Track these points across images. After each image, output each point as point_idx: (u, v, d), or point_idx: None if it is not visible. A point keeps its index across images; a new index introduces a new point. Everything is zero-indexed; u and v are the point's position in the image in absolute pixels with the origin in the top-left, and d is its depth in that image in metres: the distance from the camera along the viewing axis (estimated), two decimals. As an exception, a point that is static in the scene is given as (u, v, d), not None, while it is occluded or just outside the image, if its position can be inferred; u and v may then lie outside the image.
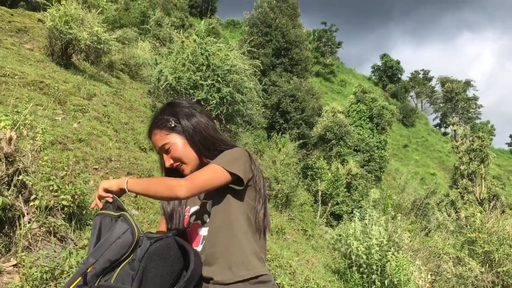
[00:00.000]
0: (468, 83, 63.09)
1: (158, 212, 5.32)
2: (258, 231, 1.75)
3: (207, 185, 1.64)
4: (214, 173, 1.67)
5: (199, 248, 1.69)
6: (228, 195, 1.71)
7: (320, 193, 18.07)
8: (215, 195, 1.73)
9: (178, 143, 1.80)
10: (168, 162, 1.80)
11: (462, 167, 19.21)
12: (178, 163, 1.80)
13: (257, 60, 13.40)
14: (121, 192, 1.68)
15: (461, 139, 19.24)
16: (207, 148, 1.82)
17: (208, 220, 1.72)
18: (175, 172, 1.84)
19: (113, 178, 1.79)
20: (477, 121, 58.64)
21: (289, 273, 6.12)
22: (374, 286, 7.18)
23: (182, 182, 1.61)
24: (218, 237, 1.68)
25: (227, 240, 1.67)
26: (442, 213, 12.91)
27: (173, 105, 1.89)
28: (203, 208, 1.77)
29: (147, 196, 1.65)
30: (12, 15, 13.83)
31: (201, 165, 1.80)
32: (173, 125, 1.82)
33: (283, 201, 12.80)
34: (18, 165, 3.61)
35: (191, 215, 1.81)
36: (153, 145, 1.88)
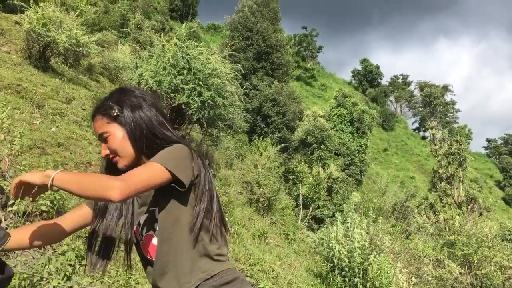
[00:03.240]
0: (446, 88, 64.32)
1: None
2: (213, 236, 1.64)
3: (144, 186, 1.45)
4: (152, 172, 1.49)
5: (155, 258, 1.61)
6: (172, 200, 1.60)
7: (301, 197, 18.12)
8: (160, 201, 1.61)
9: (116, 134, 1.66)
10: (104, 151, 1.67)
11: (440, 171, 19.50)
12: (112, 156, 1.67)
13: (238, 64, 13.39)
14: (44, 186, 1.43)
15: (440, 143, 19.54)
16: (147, 145, 1.66)
17: (158, 228, 1.61)
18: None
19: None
20: (455, 125, 59.77)
21: (272, 277, 6.10)
22: (356, 289, 7.20)
23: (117, 183, 1.40)
24: (165, 246, 1.58)
25: (173, 249, 1.58)
26: (421, 216, 13.07)
27: (123, 92, 1.74)
28: (152, 217, 1.64)
29: (74, 194, 1.43)
30: (-12, 17, 13.56)
31: (137, 162, 1.67)
32: (115, 114, 1.67)
33: (265, 205, 12.79)
34: (-5, 170, 3.52)
35: (142, 226, 1.67)
36: (93, 127, 1.74)
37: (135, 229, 1.69)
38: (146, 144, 1.66)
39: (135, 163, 1.66)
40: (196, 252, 1.59)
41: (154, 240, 1.62)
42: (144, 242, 1.65)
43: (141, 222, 1.67)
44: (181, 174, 1.53)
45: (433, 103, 61.47)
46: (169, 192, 1.58)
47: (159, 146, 1.65)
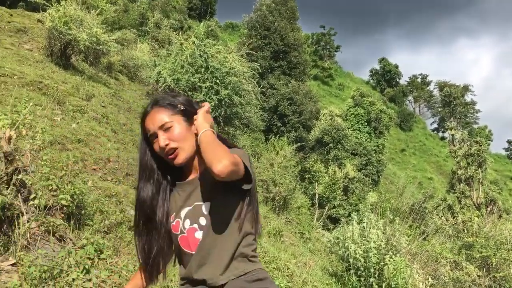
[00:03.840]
0: (466, 88, 63.40)
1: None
2: (251, 234, 1.72)
3: (235, 172, 1.51)
4: (240, 163, 1.57)
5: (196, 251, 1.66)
6: (226, 198, 1.66)
7: (317, 196, 18.07)
8: (212, 197, 1.66)
9: (182, 125, 1.70)
10: (164, 141, 1.66)
11: (459, 172, 19.24)
12: (173, 147, 1.67)
13: (256, 63, 13.41)
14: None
15: (459, 144, 19.28)
16: None
17: (204, 223, 1.65)
18: (160, 163, 1.75)
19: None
20: (475, 126, 58.89)
21: (287, 275, 6.12)
22: (372, 289, 7.18)
23: (226, 161, 1.46)
24: (209, 239, 1.64)
25: (217, 244, 1.64)
26: (439, 217, 12.93)
27: (178, 94, 1.82)
28: (197, 211, 1.67)
29: (201, 151, 1.55)
30: (11, 15, 13.82)
31: (197, 157, 1.73)
32: (182, 108, 1.72)
33: (281, 203, 12.79)
34: (18, 164, 3.60)
35: (184, 219, 1.70)
36: (146, 123, 1.73)
37: (175, 222, 1.73)
38: None
39: (192, 160, 1.73)
40: (236, 251, 1.65)
41: (197, 234, 1.66)
42: (186, 235, 1.69)
43: (182, 216, 1.71)
44: (253, 175, 1.65)
45: (453, 103, 60.64)
46: (224, 189, 1.65)
47: None
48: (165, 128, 1.68)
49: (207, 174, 1.66)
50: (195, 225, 1.67)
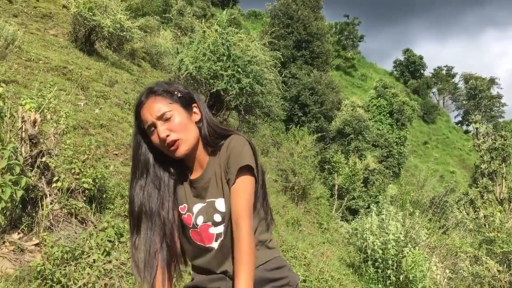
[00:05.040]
0: (492, 81, 62.07)
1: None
2: (266, 225, 1.71)
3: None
4: (252, 193, 1.56)
5: (213, 245, 1.63)
6: None
7: (336, 187, 18.00)
8: (224, 192, 1.62)
9: (182, 114, 1.59)
10: (164, 133, 1.54)
11: (482, 166, 18.87)
12: (174, 138, 1.55)
13: (278, 52, 13.34)
14: None
15: (483, 138, 18.88)
16: (211, 134, 1.65)
17: (219, 219, 1.61)
18: (159, 159, 1.65)
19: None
20: (500, 120, 57.67)
21: (304, 264, 6.13)
22: (389, 281, 7.14)
23: (252, 245, 1.49)
24: (229, 235, 1.61)
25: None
26: (461, 211, 12.75)
27: (174, 82, 1.70)
28: (211, 208, 1.63)
29: None
30: (37, 0, 14.02)
31: (200, 148, 1.66)
32: (180, 95, 1.62)
33: (300, 193, 12.78)
34: (42, 147, 3.68)
35: (196, 215, 1.65)
36: (142, 114, 1.59)
37: (187, 215, 1.68)
38: (211, 133, 1.65)
39: (194, 149, 1.63)
40: (255, 241, 1.62)
41: (212, 229, 1.63)
42: (199, 231, 1.65)
43: (195, 211, 1.66)
44: (260, 169, 1.61)
45: (478, 96, 59.46)
46: None
47: (221, 135, 1.66)
48: (164, 118, 1.56)
49: (216, 168, 1.64)
50: (209, 222, 1.63)
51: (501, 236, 8.82)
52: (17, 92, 5.96)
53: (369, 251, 7.47)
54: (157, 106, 1.56)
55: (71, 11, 11.23)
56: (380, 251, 7.30)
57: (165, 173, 1.68)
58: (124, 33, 11.94)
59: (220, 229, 1.63)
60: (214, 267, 1.65)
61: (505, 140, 18.53)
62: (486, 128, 19.08)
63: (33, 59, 8.41)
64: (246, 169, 1.55)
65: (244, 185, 1.54)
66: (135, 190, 1.65)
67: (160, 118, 1.56)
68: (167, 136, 1.54)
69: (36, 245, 3.32)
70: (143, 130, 1.63)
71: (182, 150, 1.58)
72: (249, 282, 1.44)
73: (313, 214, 12.69)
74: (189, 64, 10.72)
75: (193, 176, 1.70)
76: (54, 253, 3.03)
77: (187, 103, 1.63)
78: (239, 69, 10.54)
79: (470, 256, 8.94)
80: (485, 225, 10.63)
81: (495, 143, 18.70)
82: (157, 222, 1.62)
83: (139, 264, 1.61)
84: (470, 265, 8.36)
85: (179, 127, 1.56)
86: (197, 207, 1.67)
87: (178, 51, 12.01)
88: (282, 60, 14.82)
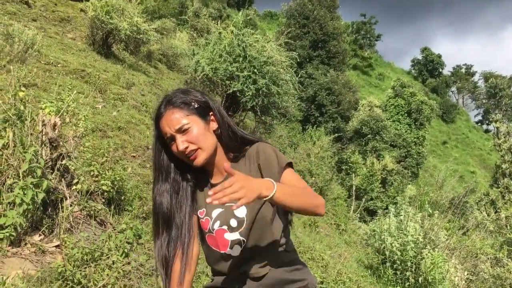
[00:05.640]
0: (513, 79, 60.90)
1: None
2: (287, 228, 1.75)
3: None
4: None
5: (228, 252, 1.65)
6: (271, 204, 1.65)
7: (354, 187, 17.88)
8: (258, 201, 1.56)
9: (199, 125, 1.63)
10: (183, 145, 1.59)
11: (503, 166, 18.55)
12: (192, 149, 1.60)
13: (294, 52, 13.29)
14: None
15: (504, 137, 18.55)
16: (232, 139, 1.71)
17: (235, 225, 1.64)
18: (179, 165, 1.70)
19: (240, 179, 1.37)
20: (521, 119, 56.55)
21: (321, 266, 6.11)
22: (408, 283, 7.07)
23: (322, 200, 1.58)
24: (254, 240, 1.64)
25: (261, 241, 1.65)
26: (481, 212, 12.55)
27: (192, 89, 1.73)
28: (229, 212, 1.65)
29: (289, 207, 1.49)
30: (56, 4, 14.24)
31: (219, 155, 1.70)
32: (197, 106, 1.65)
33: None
34: (62, 150, 3.74)
35: (214, 220, 1.69)
36: (162, 125, 1.63)
37: (205, 219, 1.72)
38: (232, 139, 1.71)
39: (213, 156, 1.68)
40: (275, 243, 1.66)
41: (227, 235, 1.65)
42: (215, 235, 1.68)
43: (213, 216, 1.69)
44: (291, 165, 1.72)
45: (499, 95, 58.48)
46: None
47: (242, 140, 1.73)
48: (182, 130, 1.60)
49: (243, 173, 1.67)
50: (225, 227, 1.66)
51: (523, 237, 8.66)
52: (37, 95, 6.06)
53: (387, 253, 7.41)
54: (175, 119, 1.61)
55: (89, 15, 11.38)
56: (399, 253, 7.23)
57: (184, 178, 1.73)
58: (141, 35, 12.04)
59: (236, 235, 1.64)
60: (234, 270, 1.67)
61: (527, 139, 18.19)
62: (507, 127, 18.75)
63: (52, 63, 8.54)
64: (289, 166, 1.68)
65: (293, 173, 1.68)
66: (157, 193, 1.72)
67: (179, 130, 1.61)
68: (186, 147, 1.60)
69: (56, 246, 3.37)
70: (162, 138, 1.68)
71: (200, 159, 1.63)
72: (292, 190, 1.52)
73: (330, 215, 12.62)
74: (205, 65, 10.76)
75: (214, 181, 1.74)
76: (74, 254, 3.07)
77: (204, 112, 1.67)
78: (255, 70, 10.55)
79: (490, 257, 8.80)
80: (506, 226, 10.45)
81: (516, 142, 18.36)
82: (175, 224, 1.69)
83: (162, 263, 1.69)
84: (491, 267, 8.22)
85: (197, 138, 1.61)
86: (216, 212, 1.70)
87: (194, 53, 12.06)
88: (298, 60, 14.77)
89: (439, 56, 61.58)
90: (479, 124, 63.03)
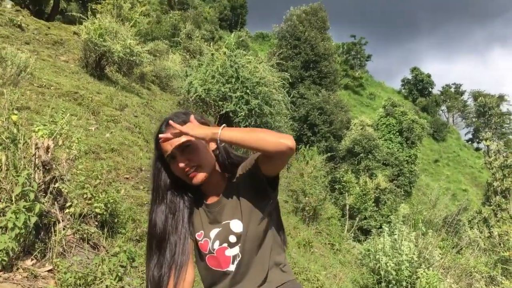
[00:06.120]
0: (501, 98, 61.70)
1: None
2: (280, 246, 1.74)
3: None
4: None
5: (230, 268, 1.65)
6: (256, 211, 1.66)
7: (347, 207, 17.86)
8: (245, 210, 1.65)
9: (200, 144, 1.65)
10: (183, 163, 1.61)
11: (495, 184, 18.63)
12: (192, 167, 1.63)
13: (286, 73, 13.45)
14: (211, 141, 1.57)
15: (494, 155, 18.69)
16: (229, 160, 1.73)
17: (234, 240, 1.65)
18: (177, 186, 1.72)
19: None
20: (511, 137, 57.07)
21: (317, 287, 6.06)
22: (404, 303, 7.03)
23: (287, 135, 1.52)
24: (249, 256, 1.64)
25: (257, 257, 1.65)
26: (474, 230, 12.57)
27: (194, 112, 1.76)
28: (227, 229, 1.67)
29: (243, 145, 1.50)
30: (49, 28, 14.32)
31: (215, 175, 1.72)
32: None
33: (310, 214, 12.70)
34: (55, 173, 3.72)
35: (214, 240, 1.68)
36: (162, 144, 1.64)
37: (203, 241, 1.71)
38: (229, 159, 1.74)
39: (211, 176, 1.69)
40: (270, 261, 1.66)
41: (228, 252, 1.66)
42: (216, 255, 1.67)
43: (212, 236, 1.69)
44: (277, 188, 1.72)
45: (488, 113, 59.09)
46: (250, 202, 1.66)
47: (239, 162, 1.74)
48: (183, 148, 1.63)
49: (231, 190, 1.70)
50: (225, 244, 1.66)
51: (517, 255, 8.67)
52: (30, 118, 6.05)
53: (382, 272, 7.37)
54: (176, 138, 1.62)
55: (82, 38, 11.44)
56: (394, 272, 7.20)
57: (181, 200, 1.74)
58: (134, 57, 12.10)
59: (236, 250, 1.65)
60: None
61: (517, 157, 18.34)
62: (497, 145, 18.91)
63: (45, 85, 8.55)
64: None
65: None
66: (154, 214, 1.72)
67: (180, 148, 1.63)
68: (186, 165, 1.62)
69: (49, 271, 3.33)
70: (162, 158, 1.69)
71: (200, 178, 1.65)
72: (239, 132, 1.54)
73: (324, 235, 12.57)
74: (198, 86, 10.83)
75: (210, 201, 1.75)
76: (67, 279, 3.04)
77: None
78: (248, 91, 10.62)
79: (485, 276, 8.78)
80: (499, 244, 10.46)
81: (507, 160, 18.50)
82: (169, 245, 1.68)
83: (153, 284, 1.66)
84: (486, 285, 8.20)
85: (197, 156, 1.64)
86: (214, 232, 1.70)
87: (187, 74, 12.14)
88: (290, 80, 14.90)
89: (429, 76, 62.29)
90: (470, 142, 63.45)
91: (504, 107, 61.04)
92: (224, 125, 1.55)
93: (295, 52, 25.55)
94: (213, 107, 10.94)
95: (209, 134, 1.52)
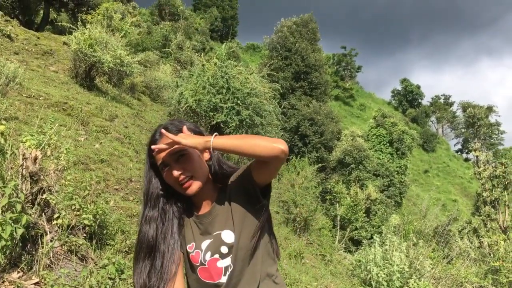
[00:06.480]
0: (490, 109, 62.34)
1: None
2: (272, 257, 1.72)
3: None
4: None
5: (222, 280, 1.62)
6: (248, 221, 1.64)
7: (338, 217, 17.85)
8: (236, 222, 1.63)
9: (195, 154, 1.63)
10: (177, 172, 1.59)
11: (484, 194, 18.76)
12: (187, 176, 1.60)
13: (277, 84, 13.49)
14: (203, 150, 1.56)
15: (484, 165, 18.84)
16: (221, 171, 1.71)
17: (226, 251, 1.63)
18: (168, 195, 1.70)
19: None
20: (500, 147, 57.62)
21: (308, 299, 6.02)
22: (395, 315, 6.99)
23: (279, 139, 1.51)
24: (241, 266, 1.61)
25: (249, 268, 1.63)
26: (464, 240, 12.61)
27: (188, 121, 1.75)
28: (218, 240, 1.64)
29: (239, 152, 1.49)
30: (38, 38, 14.25)
31: (208, 186, 1.70)
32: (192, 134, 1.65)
33: (302, 225, 12.67)
34: (42, 184, 3.66)
35: (205, 251, 1.66)
36: (156, 152, 1.62)
37: (195, 253, 1.69)
38: (222, 170, 1.72)
39: (203, 187, 1.67)
40: (262, 272, 1.64)
41: (219, 263, 1.64)
42: (207, 267, 1.65)
43: (203, 248, 1.67)
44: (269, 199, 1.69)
45: (477, 124, 59.67)
46: (242, 213, 1.64)
47: (231, 173, 1.71)
48: (177, 157, 1.61)
49: (222, 201, 1.68)
50: (216, 255, 1.64)
51: (507, 265, 8.70)
52: (18, 129, 5.98)
53: (373, 283, 7.35)
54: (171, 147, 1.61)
55: (72, 48, 11.39)
56: (385, 283, 7.17)
57: (171, 209, 1.72)
58: (124, 68, 12.07)
59: (228, 261, 1.63)
60: None
61: (506, 167, 18.50)
62: (486, 155, 19.08)
63: (34, 96, 8.48)
64: None
65: None
66: (144, 223, 1.70)
67: (174, 156, 1.61)
68: (181, 174, 1.60)
69: (36, 284, 3.26)
70: (155, 166, 1.67)
71: (194, 188, 1.63)
72: (230, 139, 1.51)
73: (315, 245, 12.53)
74: (189, 97, 10.81)
75: (200, 212, 1.73)
76: (54, 292, 2.97)
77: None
78: (239, 101, 10.63)
79: (475, 286, 8.79)
80: (489, 254, 10.50)
81: (496, 170, 18.66)
82: (158, 254, 1.66)
83: None
84: (477, 296, 8.21)
85: (192, 166, 1.62)
86: (205, 243, 1.68)
87: (177, 85, 12.14)
88: (281, 91, 14.95)
89: (418, 87, 62.92)
90: (459, 153, 63.98)
91: (492, 118, 61.73)
92: (216, 133, 1.54)
93: (285, 63, 25.69)
94: (204, 117, 10.92)
95: (202, 142, 1.52)
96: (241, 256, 1.61)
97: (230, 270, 1.61)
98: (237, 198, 1.65)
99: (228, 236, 1.63)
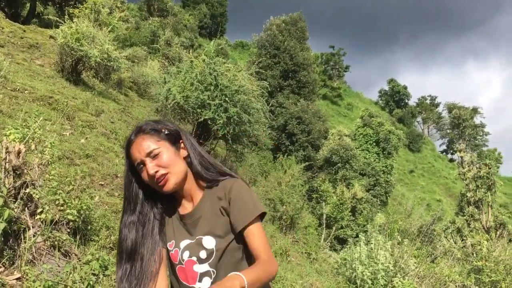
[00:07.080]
0: (475, 110, 63.10)
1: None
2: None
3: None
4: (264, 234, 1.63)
5: (197, 285, 1.61)
6: (226, 230, 1.63)
7: (324, 216, 17.92)
8: (213, 231, 1.62)
9: (169, 151, 1.63)
10: (153, 169, 1.58)
11: (468, 194, 19.00)
12: (162, 173, 1.59)
13: (265, 82, 13.47)
14: None
15: (468, 166, 19.07)
16: (204, 168, 1.69)
17: (205, 256, 1.61)
18: (148, 196, 1.70)
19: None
20: (484, 148, 58.34)
21: (293, 296, 6.03)
22: (379, 313, 7.04)
23: (274, 265, 1.53)
24: (222, 273, 1.60)
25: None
26: (448, 240, 12.76)
27: (166, 120, 1.77)
28: (199, 244, 1.63)
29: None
30: (24, 31, 14.05)
31: (189, 183, 1.69)
32: (167, 132, 1.67)
33: (288, 223, 12.70)
34: (26, 178, 3.61)
35: (183, 250, 1.66)
36: (132, 152, 1.64)
37: (174, 251, 1.69)
38: (205, 167, 1.70)
39: (183, 183, 1.67)
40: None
41: (196, 267, 1.63)
42: (184, 267, 1.65)
43: (181, 247, 1.67)
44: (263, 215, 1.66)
45: (462, 125, 60.36)
46: (227, 224, 1.63)
47: (214, 170, 1.71)
48: (152, 155, 1.61)
49: (208, 204, 1.67)
50: (194, 258, 1.63)
51: (489, 265, 8.82)
52: (2, 122, 5.90)
53: (358, 282, 7.39)
54: (146, 144, 1.62)
55: (58, 42, 11.24)
56: (370, 281, 7.22)
57: (151, 211, 1.72)
58: (112, 63, 11.94)
59: (205, 267, 1.62)
60: None
61: (490, 168, 18.74)
62: (471, 156, 19.31)
63: (19, 89, 8.36)
64: (258, 216, 1.62)
65: (260, 229, 1.61)
66: (124, 225, 1.69)
67: (149, 155, 1.61)
68: (156, 172, 1.60)
69: (17, 279, 3.21)
70: (134, 168, 1.67)
71: (170, 185, 1.62)
72: (257, 274, 1.44)
73: (301, 244, 12.57)
74: (177, 93, 10.75)
75: (183, 211, 1.72)
76: (36, 287, 2.93)
77: (174, 139, 1.69)
78: (227, 99, 10.59)
79: (459, 285, 8.89)
80: (473, 254, 10.63)
81: (480, 171, 18.90)
82: (139, 257, 1.65)
83: None
84: (460, 295, 8.30)
85: (167, 162, 1.62)
86: (184, 242, 1.67)
87: (165, 81, 12.04)
88: (269, 89, 14.94)
89: (405, 87, 63.42)
90: (444, 153, 64.67)
91: (477, 120, 62.49)
92: (245, 276, 1.41)
93: (274, 61, 25.70)
94: (191, 114, 10.87)
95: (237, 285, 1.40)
96: (224, 262, 1.61)
97: (208, 276, 1.61)
98: (223, 210, 1.65)
99: (208, 242, 1.62)
